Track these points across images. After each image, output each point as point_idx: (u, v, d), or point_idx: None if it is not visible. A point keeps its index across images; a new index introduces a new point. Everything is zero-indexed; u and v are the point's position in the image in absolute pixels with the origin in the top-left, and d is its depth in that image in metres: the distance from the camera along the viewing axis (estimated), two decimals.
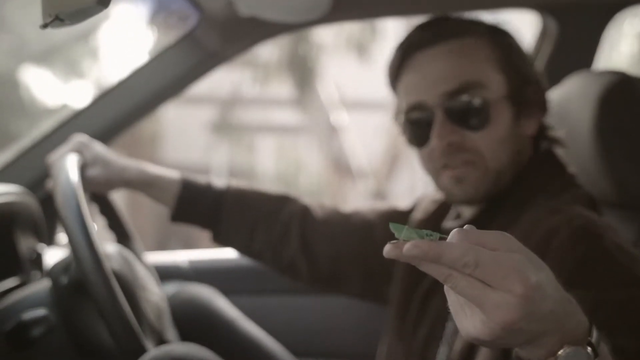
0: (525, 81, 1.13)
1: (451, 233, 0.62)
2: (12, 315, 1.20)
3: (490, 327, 0.60)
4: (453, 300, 0.64)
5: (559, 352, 0.63)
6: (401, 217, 1.39)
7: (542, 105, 1.15)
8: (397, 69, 1.16)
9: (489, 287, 0.59)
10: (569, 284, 0.65)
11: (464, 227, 0.63)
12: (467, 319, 0.62)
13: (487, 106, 1.08)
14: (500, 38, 1.14)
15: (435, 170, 1.14)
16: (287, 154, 10.51)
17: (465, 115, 1.08)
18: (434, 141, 1.09)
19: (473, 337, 0.62)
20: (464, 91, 1.08)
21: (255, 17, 1.47)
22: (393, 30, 7.94)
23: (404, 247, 0.60)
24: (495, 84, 1.10)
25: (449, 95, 1.09)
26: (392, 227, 0.64)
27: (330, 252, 1.42)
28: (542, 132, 1.16)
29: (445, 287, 0.63)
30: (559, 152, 1.17)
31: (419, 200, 1.40)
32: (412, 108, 1.13)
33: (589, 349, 0.64)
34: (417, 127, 1.13)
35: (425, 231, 0.63)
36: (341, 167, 7.47)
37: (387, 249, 0.60)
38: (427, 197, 1.38)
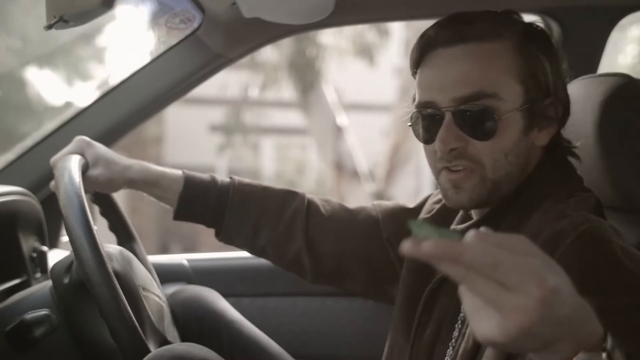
0: (544, 92, 1.09)
1: (467, 234, 0.61)
2: (15, 315, 1.20)
3: (506, 330, 0.60)
4: (468, 302, 0.63)
5: (574, 359, 0.63)
6: (408, 214, 1.38)
7: (559, 118, 1.12)
8: (416, 62, 1.14)
9: (506, 289, 0.59)
10: (575, 289, 0.65)
11: (480, 229, 0.62)
12: (483, 321, 0.61)
13: (497, 118, 1.06)
14: (527, 45, 1.09)
15: (436, 169, 1.13)
16: (290, 155, 10.51)
17: (473, 124, 1.06)
18: (437, 144, 1.09)
19: (489, 339, 0.61)
20: (477, 99, 1.06)
21: (259, 19, 1.47)
22: (398, 33, 7.95)
23: (422, 244, 0.59)
24: (511, 95, 1.07)
25: (460, 101, 1.07)
26: (412, 224, 0.62)
27: (334, 249, 1.42)
28: (555, 141, 1.13)
29: (461, 289, 0.62)
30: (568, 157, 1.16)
31: (427, 199, 1.40)
32: (423, 105, 1.12)
33: (604, 355, 0.64)
34: (425, 124, 1.12)
35: (445, 230, 0.62)
36: (344, 169, 7.47)
37: (406, 246, 0.59)
38: (434, 196, 1.38)
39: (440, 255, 0.59)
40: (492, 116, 1.06)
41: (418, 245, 0.59)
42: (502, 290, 0.59)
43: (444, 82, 1.08)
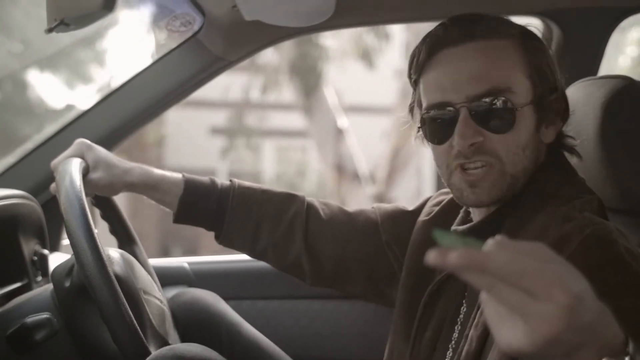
0: (549, 89, 1.11)
1: (487, 243, 0.61)
2: (16, 318, 1.20)
3: (533, 338, 0.59)
4: (491, 311, 0.62)
5: None
6: (407, 217, 1.38)
7: (562, 114, 1.13)
8: (422, 64, 1.13)
9: (532, 297, 0.59)
10: None
11: (496, 237, 0.62)
12: (508, 330, 0.61)
13: (513, 110, 1.07)
14: (530, 42, 1.12)
15: (449, 169, 1.12)
16: (291, 157, 10.52)
17: (490, 118, 1.07)
18: (457, 140, 1.08)
19: (514, 349, 0.61)
20: (492, 95, 1.07)
21: (260, 22, 1.47)
22: (398, 35, 7.96)
23: (448, 255, 0.58)
24: (522, 89, 1.09)
25: (475, 98, 1.07)
26: (436, 233, 0.62)
27: (333, 252, 1.42)
28: (558, 140, 1.14)
29: (483, 298, 0.62)
30: (570, 158, 1.16)
31: (426, 201, 1.40)
32: (436, 106, 1.11)
33: (627, 359, 0.63)
34: (438, 124, 1.11)
35: (469, 239, 0.62)
36: (345, 171, 7.47)
37: (432, 256, 0.59)
38: (433, 199, 1.38)
39: (467, 265, 0.58)
40: (509, 108, 1.07)
41: (444, 255, 0.58)
42: (527, 298, 0.59)
43: (457, 80, 1.08)
